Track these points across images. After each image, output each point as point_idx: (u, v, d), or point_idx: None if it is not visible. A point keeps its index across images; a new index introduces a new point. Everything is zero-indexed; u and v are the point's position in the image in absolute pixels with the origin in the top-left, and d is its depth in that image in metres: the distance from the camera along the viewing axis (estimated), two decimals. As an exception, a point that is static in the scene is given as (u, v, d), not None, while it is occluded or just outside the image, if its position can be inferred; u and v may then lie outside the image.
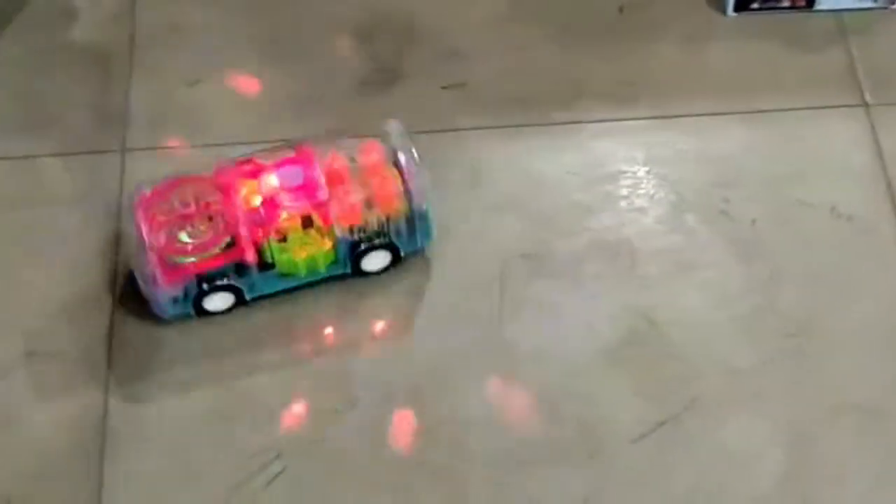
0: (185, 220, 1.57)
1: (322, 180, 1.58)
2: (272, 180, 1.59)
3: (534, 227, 1.69)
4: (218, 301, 1.61)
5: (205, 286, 1.58)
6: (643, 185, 1.73)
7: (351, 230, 1.60)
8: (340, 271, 1.63)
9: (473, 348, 1.60)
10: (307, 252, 1.60)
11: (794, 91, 1.81)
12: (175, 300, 1.59)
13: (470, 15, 1.89)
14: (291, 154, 1.61)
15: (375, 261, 1.64)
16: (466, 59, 1.84)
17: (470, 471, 1.52)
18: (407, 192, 1.60)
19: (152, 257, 1.56)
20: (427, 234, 1.64)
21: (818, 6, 1.87)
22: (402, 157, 1.61)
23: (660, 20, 1.88)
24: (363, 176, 1.61)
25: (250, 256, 1.58)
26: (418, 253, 1.65)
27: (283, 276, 1.62)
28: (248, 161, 1.61)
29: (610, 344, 1.60)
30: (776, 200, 1.71)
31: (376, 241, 1.62)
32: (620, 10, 1.89)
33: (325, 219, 1.58)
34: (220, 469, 1.52)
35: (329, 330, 1.63)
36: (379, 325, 1.63)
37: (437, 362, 1.60)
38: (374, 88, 1.80)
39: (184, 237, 1.56)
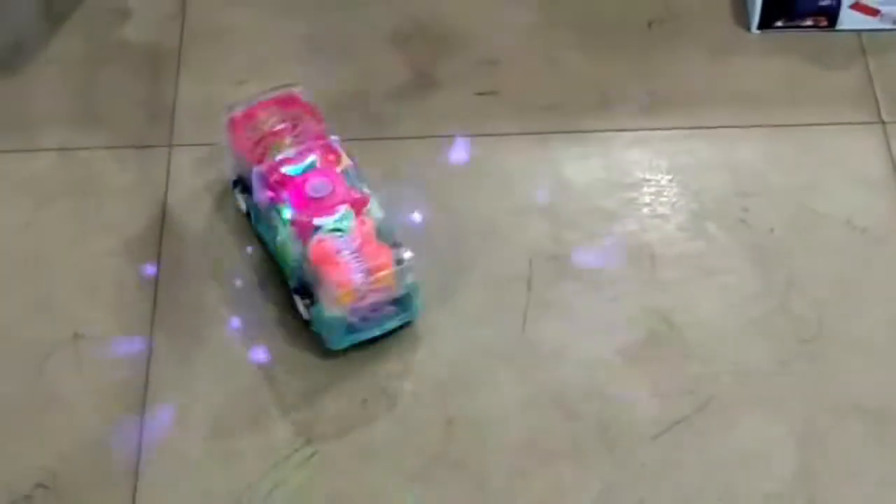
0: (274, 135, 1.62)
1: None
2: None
3: (560, 229, 1.69)
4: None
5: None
6: (666, 193, 1.72)
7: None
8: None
9: (498, 344, 1.60)
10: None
11: (813, 106, 1.80)
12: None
13: (504, 25, 1.88)
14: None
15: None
16: (500, 68, 1.84)
17: (491, 462, 1.51)
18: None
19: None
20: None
21: (839, 26, 1.86)
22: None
23: (687, 35, 1.87)
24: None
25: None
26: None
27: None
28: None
29: (629, 344, 1.59)
30: (794, 210, 1.70)
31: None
32: (649, 24, 1.88)
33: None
34: (254, 450, 1.52)
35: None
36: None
37: (462, 357, 1.59)
38: (411, 93, 1.79)
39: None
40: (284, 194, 1.57)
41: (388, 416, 1.55)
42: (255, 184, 1.60)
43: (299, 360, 1.59)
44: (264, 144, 1.63)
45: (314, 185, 1.58)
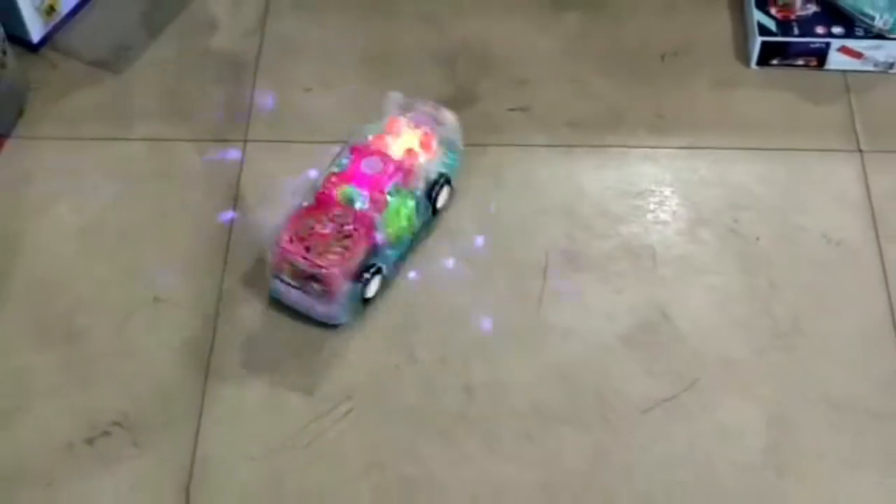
0: (323, 240, 1.57)
1: (394, 160, 1.62)
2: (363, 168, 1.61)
3: (575, 229, 1.68)
4: (374, 285, 1.60)
5: (366, 275, 1.58)
6: (668, 203, 1.71)
7: (425, 181, 1.63)
8: (423, 219, 1.65)
9: (516, 324, 1.60)
10: (402, 213, 1.61)
11: (802, 134, 1.78)
12: (350, 299, 1.58)
13: (536, 50, 1.87)
14: (349, 153, 1.63)
15: (444, 194, 1.67)
16: (530, 87, 1.83)
17: (503, 424, 1.51)
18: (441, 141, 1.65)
19: (330, 273, 1.55)
20: (456, 164, 1.68)
21: (828, 66, 1.84)
22: (417, 117, 1.67)
23: (694, 68, 1.85)
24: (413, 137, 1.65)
25: (379, 237, 1.58)
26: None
27: (396, 243, 1.62)
28: (330, 177, 1.61)
29: (628, 330, 1.59)
30: (779, 223, 1.68)
31: (440, 180, 1.65)
32: (662, 57, 1.87)
33: (405, 182, 1.60)
34: (300, 404, 1.53)
35: (396, 304, 1.62)
36: (439, 301, 1.62)
37: (485, 334, 1.59)
38: (452, 106, 1.76)
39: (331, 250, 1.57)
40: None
41: (416, 381, 1.55)
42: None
43: (349, 330, 1.59)
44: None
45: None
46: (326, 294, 1.56)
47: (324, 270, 1.54)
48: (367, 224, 1.57)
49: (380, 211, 1.58)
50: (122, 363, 1.56)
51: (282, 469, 1.48)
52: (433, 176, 1.65)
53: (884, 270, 1.63)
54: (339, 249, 1.56)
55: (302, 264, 1.55)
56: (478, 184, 1.73)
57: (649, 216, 1.70)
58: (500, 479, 1.48)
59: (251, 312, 1.60)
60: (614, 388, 1.54)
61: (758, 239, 1.67)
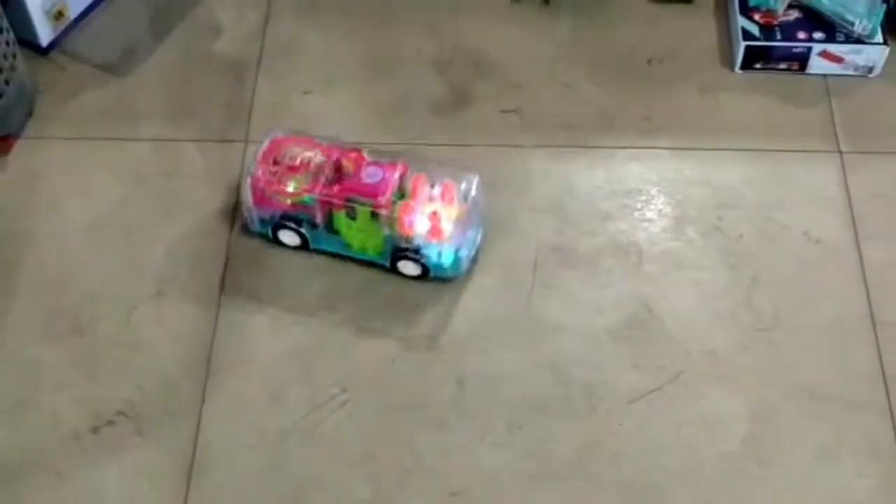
0: (291, 170, 1.58)
1: (392, 189, 1.56)
2: (361, 173, 1.58)
3: (565, 226, 1.68)
4: (289, 237, 1.62)
5: (284, 221, 1.60)
6: (654, 201, 1.71)
7: (401, 237, 1.58)
8: (381, 262, 1.62)
9: (508, 317, 1.60)
10: (365, 236, 1.59)
11: (784, 136, 1.78)
12: (262, 221, 1.62)
13: (528, 55, 1.87)
14: (389, 162, 1.59)
15: (408, 268, 1.61)
16: (523, 91, 1.83)
17: (494, 414, 1.51)
18: (453, 232, 1.58)
19: (255, 184, 1.59)
20: (457, 268, 1.60)
21: (809, 70, 1.84)
22: (464, 204, 1.59)
23: (680, 72, 1.85)
24: (431, 203, 1.58)
25: (319, 218, 1.59)
26: (447, 277, 1.62)
27: (343, 244, 1.62)
28: (356, 150, 1.60)
29: (616, 324, 1.59)
30: (761, 221, 1.68)
31: (412, 255, 1.59)
32: (649, 62, 1.86)
33: (381, 218, 1.57)
34: (298, 394, 1.53)
35: (392, 294, 1.62)
36: (432, 294, 1.61)
37: (477, 326, 1.59)
38: (447, 108, 1.79)
39: (284, 180, 1.58)
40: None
41: (411, 373, 1.55)
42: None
43: (345, 324, 1.58)
44: (280, 176, 1.60)
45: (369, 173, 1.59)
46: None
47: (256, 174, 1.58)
48: (339, 180, 1.58)
49: (346, 210, 1.57)
50: (126, 355, 1.56)
51: (280, 457, 1.48)
52: (406, 244, 1.59)
53: (862, 267, 1.63)
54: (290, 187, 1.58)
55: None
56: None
57: (636, 214, 1.69)
58: (492, 467, 1.48)
59: (251, 307, 1.60)
60: (602, 380, 1.54)
61: (741, 236, 1.67)
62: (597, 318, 1.59)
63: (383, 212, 1.56)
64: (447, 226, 1.57)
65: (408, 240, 1.57)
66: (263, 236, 1.65)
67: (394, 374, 1.55)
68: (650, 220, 1.69)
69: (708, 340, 1.57)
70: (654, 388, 1.53)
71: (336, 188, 1.58)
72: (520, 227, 1.68)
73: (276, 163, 1.60)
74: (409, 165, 1.60)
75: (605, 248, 1.66)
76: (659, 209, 1.70)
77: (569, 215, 1.69)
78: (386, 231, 1.57)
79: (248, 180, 1.60)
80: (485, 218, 1.66)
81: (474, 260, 1.64)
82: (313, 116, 1.79)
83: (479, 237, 1.64)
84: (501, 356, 1.56)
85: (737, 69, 1.84)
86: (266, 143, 1.62)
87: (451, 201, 1.59)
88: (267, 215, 1.62)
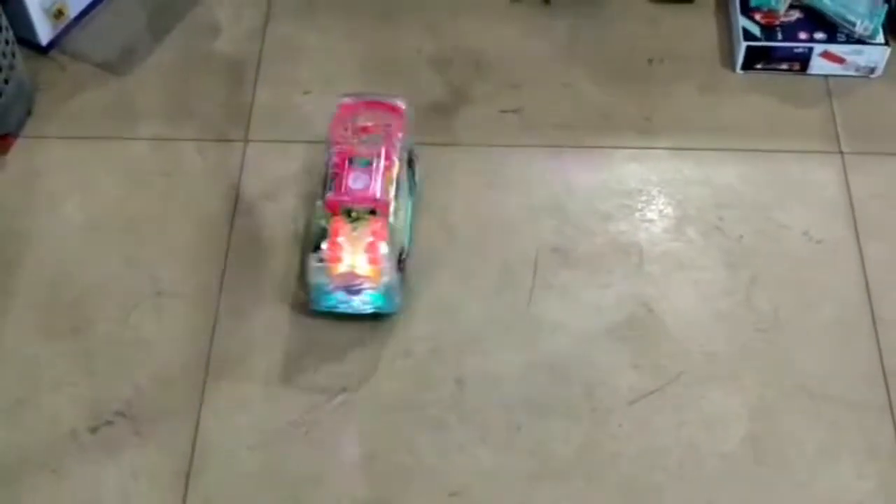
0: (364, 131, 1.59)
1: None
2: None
3: (565, 226, 1.68)
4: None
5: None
6: (655, 202, 1.71)
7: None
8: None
9: (507, 318, 1.60)
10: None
11: (784, 137, 1.78)
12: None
13: (528, 55, 1.87)
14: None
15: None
16: (522, 91, 1.83)
17: (493, 415, 1.51)
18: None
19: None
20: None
21: (810, 70, 1.84)
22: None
23: (680, 72, 1.85)
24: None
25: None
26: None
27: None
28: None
29: (616, 324, 1.59)
30: (761, 222, 1.68)
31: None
32: (649, 62, 1.86)
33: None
34: (297, 394, 1.53)
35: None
36: (432, 293, 1.62)
37: (477, 326, 1.59)
38: (446, 108, 1.79)
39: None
40: (336, 175, 1.56)
41: (410, 374, 1.55)
42: (327, 159, 1.58)
43: (344, 323, 1.58)
44: (350, 133, 1.59)
45: (357, 178, 1.56)
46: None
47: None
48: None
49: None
50: (125, 355, 1.56)
51: (279, 457, 1.48)
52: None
53: (863, 267, 1.63)
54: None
55: None
56: (471, 182, 1.73)
57: (637, 214, 1.70)
58: (492, 467, 1.48)
59: (251, 307, 1.60)
60: (602, 381, 1.54)
61: (741, 236, 1.67)
62: (597, 319, 1.59)
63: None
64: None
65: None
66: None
67: (393, 374, 1.55)
68: (650, 221, 1.69)
69: (708, 341, 1.57)
70: (654, 389, 1.53)
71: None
72: (519, 228, 1.68)
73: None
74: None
75: (606, 249, 1.66)
76: (659, 209, 1.70)
77: (569, 215, 1.69)
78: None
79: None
80: (483, 216, 1.67)
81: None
82: (312, 116, 1.79)
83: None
84: (501, 356, 1.56)
85: (738, 69, 1.85)
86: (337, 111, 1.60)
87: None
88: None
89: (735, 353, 1.56)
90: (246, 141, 1.77)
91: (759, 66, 1.84)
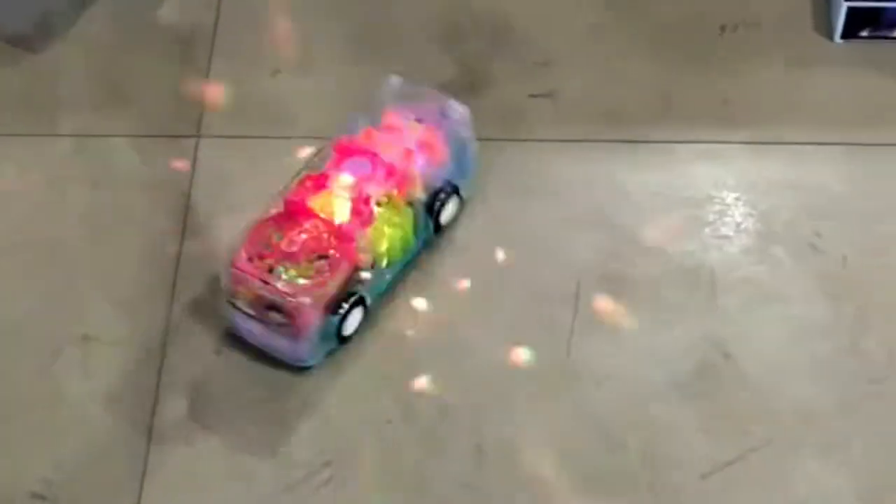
0: (294, 257, 1.55)
1: (385, 163, 1.60)
2: (345, 179, 1.58)
3: (612, 246, 1.68)
4: (354, 319, 1.59)
5: (343, 306, 1.56)
6: (730, 212, 1.70)
7: (425, 190, 1.62)
8: (424, 235, 1.64)
9: (539, 366, 1.59)
10: (393, 230, 1.60)
11: (897, 125, 1.80)
12: (322, 337, 1.57)
13: (565, 21, 1.88)
14: (332, 151, 1.61)
15: (449, 209, 1.66)
16: (557, 68, 1.83)
17: (522, 495, 1.50)
18: (445, 138, 1.63)
19: (298, 303, 1.53)
20: (468, 170, 1.68)
21: (931, 39, 1.85)
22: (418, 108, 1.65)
23: (762, 42, 1.85)
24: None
25: (362, 259, 1.57)
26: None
27: (387, 266, 1.61)
28: (305, 179, 1.60)
29: (681, 375, 1.58)
30: (870, 237, 1.68)
31: (445, 190, 1.65)
32: (722, 28, 1.86)
33: (401, 191, 1.59)
34: (267, 469, 1.52)
35: (389, 340, 1.61)
36: (442, 335, 1.61)
37: (500, 378, 1.58)
38: (458, 91, 1.77)
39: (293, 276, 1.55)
40: None
41: (413, 440, 1.54)
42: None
43: (322, 373, 1.58)
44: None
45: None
46: (292, 329, 1.55)
47: (289, 299, 1.53)
48: (348, 241, 1.56)
49: (365, 225, 1.57)
50: (44, 418, 1.56)
51: (245, 554, 1.49)
52: (437, 184, 1.64)
53: None
54: (310, 273, 1.54)
55: (261, 289, 1.54)
56: (493, 189, 1.72)
57: (707, 230, 1.69)
58: (522, 564, 1.48)
59: (205, 354, 1.60)
60: (664, 449, 1.53)
61: (844, 258, 1.66)
62: (656, 367, 1.58)
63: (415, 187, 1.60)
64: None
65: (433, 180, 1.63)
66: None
67: (392, 441, 1.54)
68: (726, 238, 1.68)
69: (802, 397, 1.56)
70: (731, 460, 1.51)
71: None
72: (555, 247, 1.68)
73: (262, 258, 1.56)
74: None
75: (668, 275, 1.65)
76: (737, 223, 1.69)
77: (619, 232, 1.69)
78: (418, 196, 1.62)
79: (286, 306, 1.54)
80: (511, 234, 1.68)
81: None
82: (284, 104, 1.80)
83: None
84: (531, 416, 1.55)
85: (836, 38, 1.84)
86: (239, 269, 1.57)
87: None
88: (322, 324, 1.57)
89: (838, 413, 1.55)
90: (198, 137, 1.78)
91: (864, 33, 1.84)
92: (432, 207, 1.64)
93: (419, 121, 1.66)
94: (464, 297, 1.64)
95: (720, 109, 1.79)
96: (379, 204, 1.59)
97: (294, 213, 1.57)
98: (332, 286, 1.55)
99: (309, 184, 1.59)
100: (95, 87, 1.82)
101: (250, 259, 1.54)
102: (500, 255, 1.68)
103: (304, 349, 1.57)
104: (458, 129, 1.67)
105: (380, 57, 1.84)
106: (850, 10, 1.81)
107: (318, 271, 1.54)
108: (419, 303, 1.64)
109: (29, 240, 1.69)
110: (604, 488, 1.50)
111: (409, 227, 1.62)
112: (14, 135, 1.78)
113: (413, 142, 1.63)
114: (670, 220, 1.70)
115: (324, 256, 1.55)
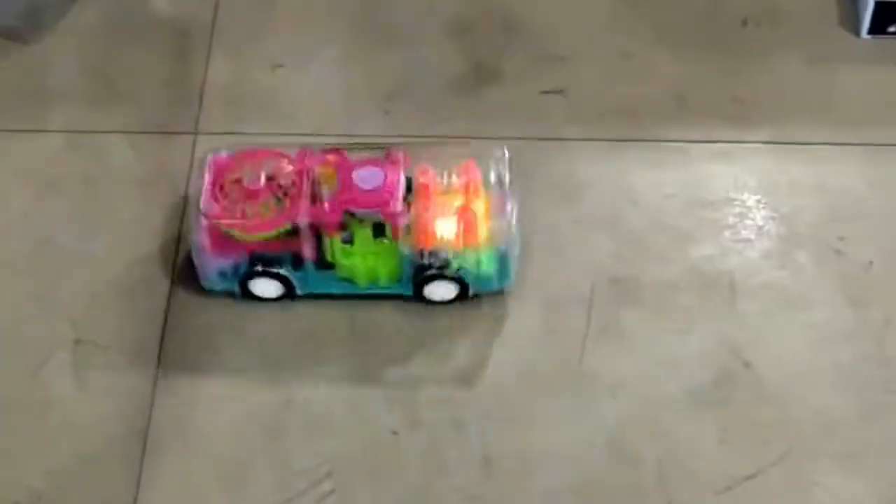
0: (251, 196, 1.57)
1: (401, 189, 1.57)
2: (351, 178, 1.58)
3: (627, 249, 1.68)
4: (266, 287, 1.62)
5: (257, 268, 1.60)
6: (751, 215, 1.71)
7: (421, 252, 1.58)
8: (401, 292, 1.62)
9: (551, 375, 1.60)
10: (372, 262, 1.60)
11: (926, 125, 1.80)
12: (222, 274, 1.61)
13: (578, 14, 1.89)
14: (380, 157, 1.60)
15: (440, 291, 1.62)
16: (569, 64, 1.84)
17: (533, 506, 1.52)
18: (492, 229, 1.58)
19: (204, 223, 1.57)
20: (506, 275, 1.62)
21: (963, 35, 1.86)
22: (498, 190, 1.60)
23: (785, 37, 1.86)
24: (451, 197, 1.59)
25: (308, 252, 1.58)
26: (494, 293, 1.63)
27: (342, 279, 1.61)
28: (335, 151, 1.60)
29: (699, 383, 1.58)
30: (896, 242, 1.70)
31: (445, 272, 1.60)
32: (744, 22, 1.87)
33: (395, 231, 1.57)
34: (266, 481, 1.52)
35: (398, 343, 1.62)
36: (452, 343, 1.62)
37: (509, 386, 1.59)
38: (467, 87, 1.80)
39: (246, 211, 1.56)
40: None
41: (419, 451, 1.54)
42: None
43: (323, 381, 1.59)
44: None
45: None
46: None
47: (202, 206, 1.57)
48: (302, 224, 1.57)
49: (341, 233, 1.57)
50: (32, 426, 1.56)
51: (242, 568, 1.49)
52: (436, 262, 1.60)
53: None
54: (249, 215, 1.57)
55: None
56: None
57: (727, 233, 1.70)
58: (531, 580, 1.49)
59: (204, 359, 1.60)
60: (680, 461, 1.53)
61: (870, 263, 1.67)
62: (673, 375, 1.59)
63: (401, 221, 1.56)
64: (482, 223, 1.58)
65: (432, 253, 1.58)
66: (229, 294, 1.64)
67: (397, 452, 1.54)
68: (746, 241, 1.69)
69: (825, 406, 1.57)
70: (751, 473, 1.52)
71: (326, 205, 1.57)
72: (564, 250, 1.69)
73: (223, 190, 1.58)
74: (409, 155, 1.61)
75: (685, 280, 1.66)
76: (758, 226, 1.70)
77: (633, 234, 1.70)
78: (403, 248, 1.58)
79: (198, 221, 1.58)
80: (519, 236, 1.65)
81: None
82: (284, 99, 1.81)
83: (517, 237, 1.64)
84: (542, 427, 1.56)
85: (863, 33, 1.85)
86: (207, 168, 1.60)
87: (476, 190, 1.60)
88: (229, 265, 1.61)
89: (862, 424, 1.56)
90: (196, 133, 1.78)
91: (892, 28, 1.84)
92: (418, 276, 1.61)
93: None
94: (474, 305, 1.64)
95: (739, 107, 1.80)
96: (374, 229, 1.57)
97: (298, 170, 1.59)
98: (261, 233, 1.56)
99: (331, 157, 1.59)
100: (88, 81, 1.83)
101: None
102: (510, 258, 1.65)
103: (201, 267, 1.61)
104: (505, 236, 1.60)
105: (385, 50, 1.85)
106: (879, 5, 1.82)
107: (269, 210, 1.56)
108: (424, 308, 1.63)
109: (19, 237, 1.70)
110: (616, 502, 1.51)
111: (383, 269, 1.61)
112: (3, 130, 1.79)
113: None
114: (687, 223, 1.70)
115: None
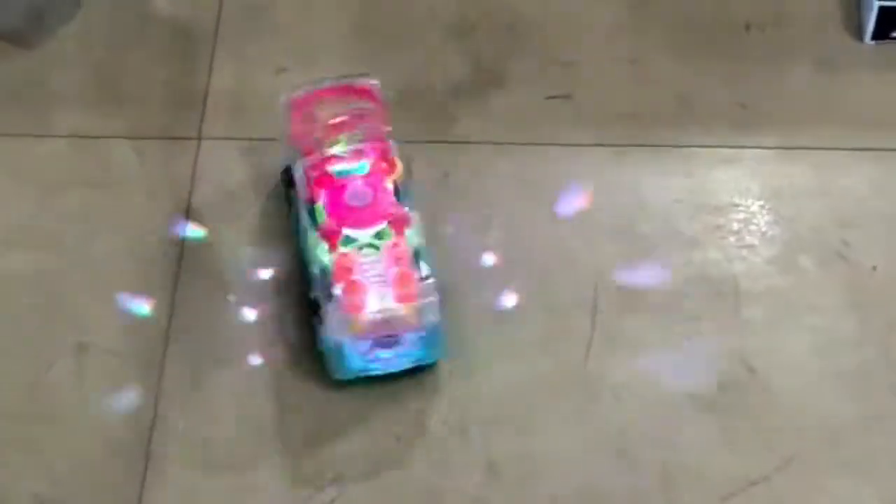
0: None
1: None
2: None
3: (632, 255, 1.68)
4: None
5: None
6: (756, 221, 1.71)
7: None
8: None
9: (555, 380, 1.60)
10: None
11: (931, 130, 1.80)
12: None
13: (583, 18, 1.88)
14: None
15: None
16: (575, 69, 1.83)
17: (538, 513, 1.52)
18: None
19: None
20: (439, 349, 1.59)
21: (968, 40, 1.86)
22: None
23: (789, 42, 1.86)
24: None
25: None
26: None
27: None
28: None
29: (703, 389, 1.59)
30: (901, 247, 1.70)
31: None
32: (747, 27, 1.87)
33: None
34: (272, 487, 1.53)
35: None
36: (452, 348, 1.61)
37: (513, 391, 1.59)
38: (470, 92, 1.80)
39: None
40: (322, 195, 1.57)
41: (423, 456, 1.55)
42: (298, 177, 1.60)
43: (326, 388, 1.59)
44: (319, 135, 1.61)
45: (355, 192, 1.57)
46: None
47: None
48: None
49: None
50: (34, 433, 1.56)
51: (248, 573, 1.50)
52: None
53: None
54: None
55: None
56: (505, 193, 1.73)
57: (731, 238, 1.70)
58: (535, 586, 1.49)
59: (208, 366, 1.61)
60: (684, 467, 1.54)
61: (874, 268, 1.67)
62: (678, 381, 1.59)
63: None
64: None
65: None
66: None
67: (400, 457, 1.55)
68: (750, 247, 1.69)
69: (830, 412, 1.57)
70: (756, 480, 1.53)
71: None
72: (570, 256, 1.69)
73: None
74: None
75: (689, 286, 1.66)
76: (762, 231, 1.71)
77: (637, 240, 1.70)
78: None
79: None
80: (521, 241, 1.68)
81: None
82: None
83: None
84: (546, 433, 1.57)
85: (867, 39, 1.85)
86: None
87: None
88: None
89: (867, 429, 1.56)
90: (199, 138, 1.78)
91: (895, 33, 1.84)
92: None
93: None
94: (475, 310, 1.64)
95: (744, 112, 1.80)
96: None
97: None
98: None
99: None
100: (89, 84, 1.82)
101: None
102: (513, 264, 1.67)
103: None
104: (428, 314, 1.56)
105: (389, 54, 1.84)
106: (882, 10, 1.81)
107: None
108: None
109: (20, 243, 1.70)
110: (620, 508, 1.53)
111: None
112: (5, 135, 1.78)
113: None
114: (692, 228, 1.70)
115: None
